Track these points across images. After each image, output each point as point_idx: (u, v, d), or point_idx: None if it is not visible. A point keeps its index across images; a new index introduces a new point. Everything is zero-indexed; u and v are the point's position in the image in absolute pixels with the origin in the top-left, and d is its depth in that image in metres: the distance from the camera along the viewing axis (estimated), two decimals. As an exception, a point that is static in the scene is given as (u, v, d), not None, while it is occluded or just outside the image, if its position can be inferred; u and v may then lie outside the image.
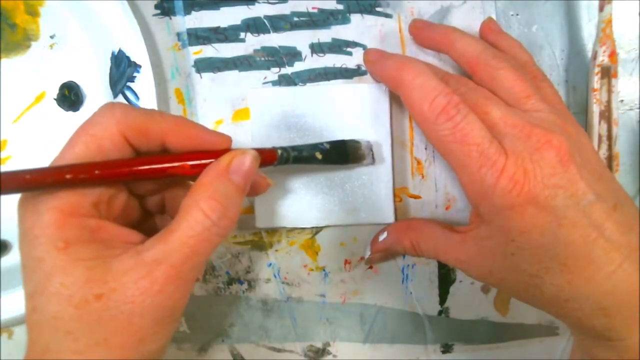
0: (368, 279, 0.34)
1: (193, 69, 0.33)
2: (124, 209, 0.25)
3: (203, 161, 0.24)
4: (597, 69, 0.32)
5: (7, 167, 0.33)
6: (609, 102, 0.32)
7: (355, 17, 0.33)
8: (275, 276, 0.34)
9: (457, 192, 0.34)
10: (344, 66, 0.33)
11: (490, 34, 0.31)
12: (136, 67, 0.31)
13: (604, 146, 0.32)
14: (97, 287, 0.21)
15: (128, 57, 0.31)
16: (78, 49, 0.33)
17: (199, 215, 0.22)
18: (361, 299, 0.34)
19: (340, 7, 0.33)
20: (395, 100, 0.33)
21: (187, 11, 0.33)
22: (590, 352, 0.27)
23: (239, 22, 0.33)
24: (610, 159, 0.32)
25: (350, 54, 0.33)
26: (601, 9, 0.32)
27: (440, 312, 0.35)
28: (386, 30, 0.33)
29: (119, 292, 0.21)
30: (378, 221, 0.33)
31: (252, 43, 0.33)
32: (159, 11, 0.33)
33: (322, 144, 0.30)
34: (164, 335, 0.23)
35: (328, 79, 0.33)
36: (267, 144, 0.32)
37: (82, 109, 0.33)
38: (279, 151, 0.27)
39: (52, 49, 0.33)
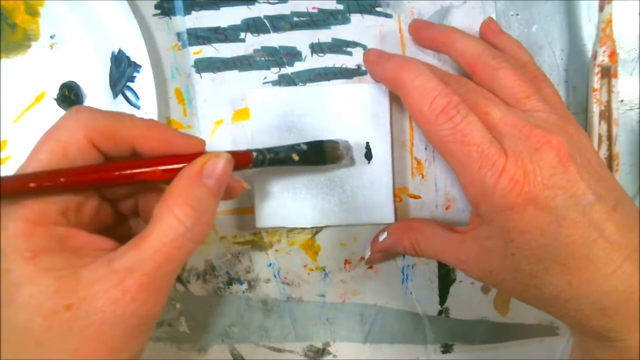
0: (368, 279, 0.34)
1: (193, 69, 0.33)
2: (95, 214, 0.24)
3: (175, 166, 0.23)
4: (597, 69, 0.32)
5: (7, 167, 0.33)
6: (609, 102, 0.32)
7: (355, 17, 0.33)
8: (275, 276, 0.34)
9: (457, 192, 0.34)
10: (344, 66, 0.33)
11: (490, 34, 0.31)
12: (136, 67, 0.31)
13: (604, 146, 0.32)
14: (66, 297, 0.20)
15: (128, 57, 0.31)
16: (78, 49, 0.33)
17: (172, 221, 0.22)
18: (361, 299, 0.34)
19: (340, 7, 0.33)
20: (395, 100, 0.33)
21: (187, 11, 0.33)
22: (590, 352, 0.27)
23: (239, 22, 0.33)
24: (610, 159, 0.32)
25: (350, 54, 0.33)
26: (601, 9, 0.32)
27: (440, 312, 0.35)
28: (386, 30, 0.33)
29: (90, 302, 0.20)
30: (378, 221, 0.33)
31: (252, 43, 0.33)
32: (159, 11, 0.33)
33: (299, 145, 0.29)
34: (138, 344, 0.22)
35: (328, 79, 0.33)
36: (267, 144, 0.32)
37: (82, 109, 0.33)
38: (254, 153, 0.27)
39: (52, 49, 0.33)
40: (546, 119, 0.26)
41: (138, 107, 0.31)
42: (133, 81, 0.31)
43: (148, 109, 0.31)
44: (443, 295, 0.35)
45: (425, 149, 0.34)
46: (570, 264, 0.24)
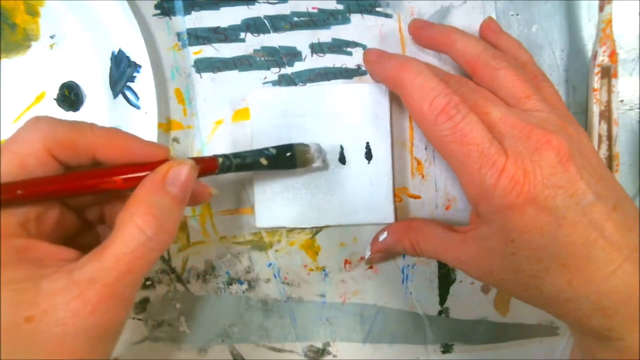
0: (368, 279, 0.34)
1: (193, 69, 0.33)
2: (57, 224, 0.24)
3: (137, 174, 0.23)
4: (597, 69, 0.32)
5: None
6: (609, 102, 0.32)
7: (355, 17, 0.33)
8: (275, 276, 0.34)
9: (457, 192, 0.34)
10: (344, 66, 0.33)
11: (490, 34, 0.31)
12: (136, 67, 0.31)
13: (604, 146, 0.32)
14: (27, 309, 0.20)
15: (128, 57, 0.31)
16: (78, 49, 0.32)
17: (133, 230, 0.21)
18: (361, 299, 0.34)
19: (340, 7, 0.33)
20: (395, 100, 0.33)
21: (187, 11, 0.33)
22: (590, 352, 0.27)
23: (239, 22, 0.33)
24: (610, 159, 0.32)
25: (350, 54, 0.33)
26: (601, 9, 0.32)
27: (440, 312, 0.35)
28: (386, 30, 0.33)
29: (51, 314, 0.20)
30: (378, 221, 0.33)
31: (252, 43, 0.33)
32: (159, 11, 0.33)
33: (267, 149, 0.29)
34: (101, 354, 0.22)
35: (328, 79, 0.33)
36: (267, 144, 0.32)
37: (82, 109, 0.33)
38: (220, 159, 0.27)
39: (52, 49, 0.33)
40: (546, 118, 0.26)
41: (138, 107, 0.31)
42: (133, 81, 0.31)
43: (148, 109, 0.31)
44: (443, 295, 0.35)
45: (425, 149, 0.34)
46: (570, 264, 0.24)
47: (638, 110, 0.34)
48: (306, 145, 0.31)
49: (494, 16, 0.33)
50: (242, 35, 0.33)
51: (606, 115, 0.32)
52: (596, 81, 0.32)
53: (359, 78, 0.33)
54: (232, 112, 0.33)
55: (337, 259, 0.34)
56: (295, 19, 0.33)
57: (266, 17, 0.33)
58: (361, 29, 0.33)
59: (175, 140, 0.34)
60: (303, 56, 0.33)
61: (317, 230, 0.34)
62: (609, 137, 0.32)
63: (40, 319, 0.20)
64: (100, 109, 0.32)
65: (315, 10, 0.33)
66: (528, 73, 0.29)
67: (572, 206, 0.24)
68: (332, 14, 0.33)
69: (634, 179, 0.34)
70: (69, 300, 0.20)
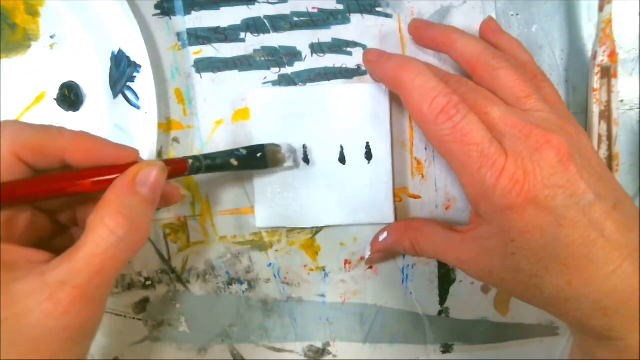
0: (368, 279, 0.34)
1: (193, 69, 0.33)
2: (28, 227, 0.24)
3: (106, 177, 0.23)
4: (597, 69, 0.32)
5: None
6: (609, 102, 0.32)
7: (355, 17, 0.33)
8: (275, 276, 0.34)
9: (457, 192, 0.34)
10: (344, 66, 0.33)
11: (490, 34, 0.31)
12: (136, 67, 0.31)
13: (604, 146, 0.32)
14: None
15: (128, 57, 0.31)
16: (78, 49, 0.32)
17: (104, 232, 0.21)
18: (361, 299, 0.34)
19: (340, 7, 0.33)
20: (395, 100, 0.33)
21: (187, 11, 0.33)
22: (590, 352, 0.27)
23: (239, 22, 0.33)
24: (610, 159, 0.32)
25: (350, 54, 0.33)
26: (601, 9, 0.32)
27: (440, 312, 0.35)
28: (386, 30, 0.33)
29: (24, 316, 0.20)
30: (378, 221, 0.33)
31: (252, 43, 0.33)
32: (159, 11, 0.33)
33: (238, 150, 0.30)
34: (77, 354, 0.22)
35: (328, 79, 0.33)
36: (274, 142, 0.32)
37: (82, 109, 0.33)
38: (190, 161, 0.27)
39: (52, 49, 0.33)
40: (546, 118, 0.26)
41: (138, 107, 0.31)
42: (133, 81, 0.31)
43: (148, 109, 0.31)
44: (443, 295, 0.35)
45: (425, 149, 0.34)
46: (570, 264, 0.24)
47: (638, 110, 0.34)
48: (277, 146, 0.31)
49: (494, 16, 0.33)
50: (242, 35, 0.33)
51: (606, 115, 0.32)
52: (596, 81, 0.32)
53: (359, 78, 0.33)
54: (232, 112, 0.33)
55: (337, 259, 0.34)
56: (295, 19, 0.33)
57: (266, 17, 0.33)
58: (361, 29, 0.33)
59: (175, 140, 0.34)
60: (303, 56, 0.33)
61: (317, 230, 0.34)
62: (609, 137, 0.32)
63: (13, 321, 0.20)
64: (100, 109, 0.32)
65: (315, 10, 0.33)
66: (528, 73, 0.29)
67: (572, 206, 0.24)
68: (332, 14, 0.33)
69: (634, 179, 0.34)
70: (41, 302, 0.20)
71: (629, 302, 0.24)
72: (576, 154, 0.25)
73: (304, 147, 0.32)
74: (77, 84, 0.33)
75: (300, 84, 0.33)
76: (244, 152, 0.30)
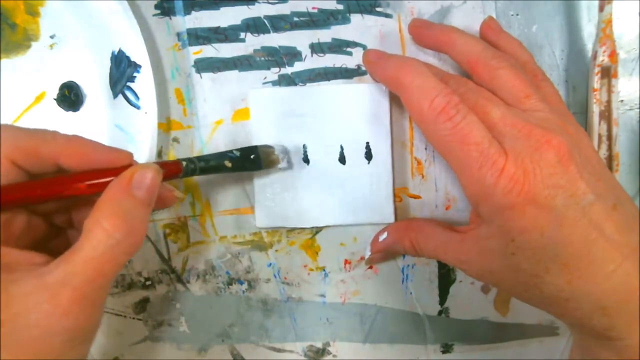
0: (368, 279, 0.34)
1: (193, 69, 0.33)
2: (25, 230, 0.24)
3: (101, 180, 0.23)
4: (597, 69, 0.32)
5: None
6: (609, 102, 0.32)
7: (355, 17, 0.33)
8: (275, 276, 0.34)
9: (457, 192, 0.34)
10: (344, 66, 0.33)
11: (490, 33, 0.31)
12: (136, 67, 0.31)
13: (604, 146, 0.32)
14: None
15: (128, 57, 0.31)
16: (78, 49, 0.32)
17: (101, 234, 0.22)
18: (361, 299, 0.34)
19: (340, 7, 0.33)
20: (395, 100, 0.33)
21: (187, 11, 0.33)
22: (590, 352, 0.27)
23: (239, 22, 0.33)
24: (610, 159, 0.32)
25: (350, 54, 0.33)
26: (601, 9, 0.32)
27: (440, 312, 0.35)
28: (386, 30, 0.33)
29: (23, 317, 0.20)
30: (378, 221, 0.33)
31: (252, 43, 0.33)
32: (159, 11, 0.33)
33: (231, 151, 0.30)
34: (77, 355, 0.22)
35: (328, 79, 0.33)
36: (267, 144, 0.32)
37: (82, 109, 0.33)
38: (184, 163, 0.27)
39: (52, 49, 0.33)
40: (546, 118, 0.26)
41: (138, 107, 0.31)
42: (133, 81, 0.31)
43: (148, 109, 0.31)
44: (443, 295, 0.35)
45: (425, 149, 0.34)
46: (570, 264, 0.24)
47: (638, 110, 0.34)
48: (270, 147, 0.31)
49: (494, 16, 0.33)
50: (242, 35, 0.33)
51: (606, 115, 0.32)
52: (596, 81, 0.32)
53: (359, 78, 0.33)
54: (232, 112, 0.33)
55: (337, 259, 0.34)
56: (295, 19, 0.33)
57: (266, 17, 0.33)
58: (361, 29, 0.33)
59: (175, 140, 0.34)
60: (303, 56, 0.33)
61: (317, 230, 0.34)
62: (609, 137, 0.32)
63: (12, 322, 0.20)
64: (100, 109, 0.32)
65: (315, 10, 0.33)
66: (528, 72, 0.29)
67: (572, 206, 0.24)
68: (332, 14, 0.33)
69: (634, 179, 0.34)
70: (40, 303, 0.21)
71: (629, 302, 0.24)
72: (576, 154, 0.25)
73: (304, 147, 0.32)
74: (77, 84, 0.33)
75: (300, 84, 0.33)
76: (238, 153, 0.30)
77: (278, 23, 0.33)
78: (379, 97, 0.32)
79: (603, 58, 0.32)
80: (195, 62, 0.33)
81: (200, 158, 0.28)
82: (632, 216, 0.25)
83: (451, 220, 0.33)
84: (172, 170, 0.26)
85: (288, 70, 0.33)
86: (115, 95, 0.32)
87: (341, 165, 0.32)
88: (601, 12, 0.32)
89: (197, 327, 0.35)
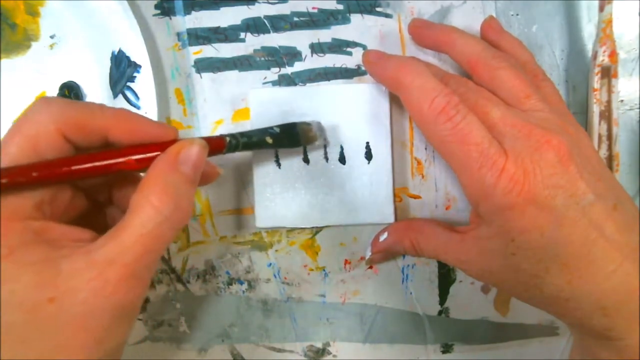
0: (368, 279, 0.34)
1: (193, 69, 0.33)
2: (69, 206, 0.24)
3: (149, 154, 0.23)
4: (597, 69, 0.32)
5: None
6: (609, 102, 0.32)
7: (355, 17, 0.33)
8: (275, 276, 0.34)
9: (457, 192, 0.34)
10: (344, 66, 0.33)
11: (491, 33, 0.31)
12: (136, 67, 0.31)
13: (604, 146, 0.32)
14: (48, 290, 0.20)
15: (128, 57, 0.31)
16: (78, 49, 0.33)
17: (150, 211, 0.21)
18: (361, 299, 0.34)
19: (340, 7, 0.33)
20: (395, 100, 0.33)
21: (187, 11, 0.33)
22: (590, 352, 0.27)
23: (239, 22, 0.33)
24: (610, 159, 0.32)
25: (350, 54, 0.33)
26: (601, 9, 0.32)
27: (440, 312, 0.35)
28: (386, 30, 0.33)
29: (72, 294, 0.20)
30: (378, 221, 0.33)
31: (252, 43, 0.33)
32: (159, 11, 0.33)
33: (272, 127, 0.30)
34: (122, 333, 0.22)
35: (328, 79, 0.33)
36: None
37: (82, 109, 0.33)
38: (227, 138, 0.27)
39: (52, 49, 0.33)
40: (546, 118, 0.26)
41: (138, 107, 0.31)
42: (133, 81, 0.31)
43: (148, 109, 0.31)
44: (443, 295, 0.35)
45: (425, 149, 0.34)
46: (570, 264, 0.24)
47: (638, 110, 0.34)
48: (308, 124, 0.31)
49: (494, 16, 0.33)
50: (242, 35, 0.33)
51: (606, 115, 0.32)
52: (596, 81, 0.32)
53: (359, 78, 0.33)
54: (232, 112, 0.33)
55: (337, 259, 0.34)
56: (295, 19, 0.33)
57: (266, 17, 0.33)
58: (361, 29, 0.33)
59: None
60: (303, 56, 0.33)
61: (317, 230, 0.34)
62: (609, 137, 0.32)
63: (62, 299, 0.20)
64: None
65: (315, 10, 0.33)
66: (528, 72, 0.29)
67: (572, 206, 0.24)
68: (332, 14, 0.33)
69: (634, 179, 0.34)
70: (89, 280, 0.20)
71: (629, 302, 0.24)
72: (576, 154, 0.25)
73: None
74: (77, 84, 0.33)
75: (300, 84, 0.33)
76: (278, 130, 0.30)
77: (278, 23, 0.33)
78: (379, 97, 0.32)
79: (603, 58, 0.32)
80: (195, 62, 0.33)
81: (242, 134, 0.28)
82: (632, 216, 0.25)
83: (451, 220, 0.33)
84: (215, 145, 0.26)
85: (288, 70, 0.33)
86: (115, 95, 0.32)
87: (341, 165, 0.32)
88: (601, 12, 0.32)
89: (197, 327, 0.35)
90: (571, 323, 0.27)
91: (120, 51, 0.31)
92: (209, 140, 0.25)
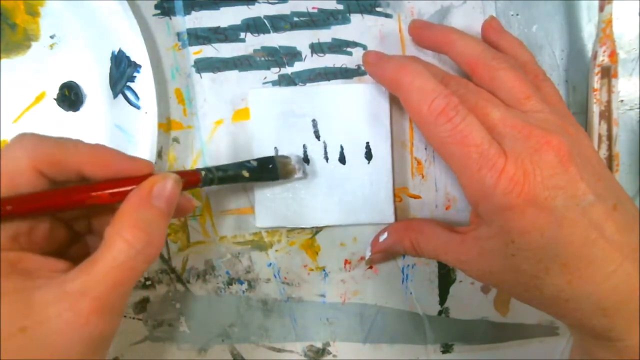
0: (368, 279, 0.34)
1: (193, 69, 0.33)
2: (47, 236, 0.24)
3: (123, 188, 0.24)
4: (597, 69, 0.32)
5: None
6: (609, 102, 0.32)
7: (355, 17, 0.33)
8: (275, 276, 0.34)
9: (457, 192, 0.34)
10: (344, 66, 0.33)
11: (492, 33, 0.31)
12: (136, 67, 0.31)
13: (604, 146, 0.32)
14: (20, 320, 0.20)
15: (128, 57, 0.31)
16: (78, 49, 0.32)
17: (122, 245, 0.22)
18: (361, 299, 0.34)
19: (340, 7, 0.33)
20: (395, 100, 0.33)
21: (187, 11, 0.33)
22: (590, 352, 0.27)
23: (239, 22, 0.33)
24: (610, 159, 0.32)
25: (350, 54, 0.33)
26: (601, 9, 0.32)
27: (440, 312, 0.35)
28: (386, 30, 0.33)
29: (45, 325, 0.20)
30: (378, 221, 0.33)
31: (252, 43, 0.33)
32: (159, 11, 0.33)
33: (249, 161, 0.30)
34: (97, 358, 0.22)
35: (328, 79, 0.33)
36: (267, 144, 0.32)
37: (82, 109, 0.33)
38: (203, 173, 0.27)
39: (52, 49, 0.33)
40: (546, 119, 0.26)
41: (138, 107, 0.31)
42: (133, 81, 0.31)
43: (148, 109, 0.31)
44: (443, 295, 0.35)
45: (425, 149, 0.34)
46: (570, 264, 0.24)
47: (638, 110, 0.34)
48: (287, 157, 0.32)
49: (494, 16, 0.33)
50: (242, 35, 0.33)
51: (606, 115, 0.32)
52: (596, 81, 0.32)
53: (359, 78, 0.33)
54: (232, 112, 0.33)
55: (337, 259, 0.34)
56: (295, 19, 0.33)
57: (266, 17, 0.33)
58: (361, 29, 0.33)
59: (175, 140, 0.34)
60: (303, 56, 0.33)
61: (317, 230, 0.34)
62: (609, 137, 0.32)
63: (34, 330, 0.20)
64: (100, 109, 0.32)
65: (315, 10, 0.33)
66: (529, 73, 0.29)
67: (572, 206, 0.24)
68: (332, 14, 0.33)
69: (634, 179, 0.34)
70: (62, 311, 0.21)
71: (629, 302, 0.24)
72: (576, 155, 0.25)
73: (304, 147, 0.32)
74: (77, 84, 0.33)
75: (300, 84, 0.33)
76: (255, 163, 0.30)
77: (278, 23, 0.33)
78: (379, 97, 0.32)
79: (603, 58, 0.32)
80: (195, 62, 0.33)
81: (218, 168, 0.28)
82: (632, 216, 0.25)
83: (451, 220, 0.33)
84: (191, 180, 0.27)
85: (288, 70, 0.33)
86: (115, 95, 0.32)
87: (341, 165, 0.32)
88: (601, 12, 0.32)
89: (197, 327, 0.35)
90: (571, 324, 0.27)
91: (120, 51, 0.31)
92: (184, 174, 0.26)
